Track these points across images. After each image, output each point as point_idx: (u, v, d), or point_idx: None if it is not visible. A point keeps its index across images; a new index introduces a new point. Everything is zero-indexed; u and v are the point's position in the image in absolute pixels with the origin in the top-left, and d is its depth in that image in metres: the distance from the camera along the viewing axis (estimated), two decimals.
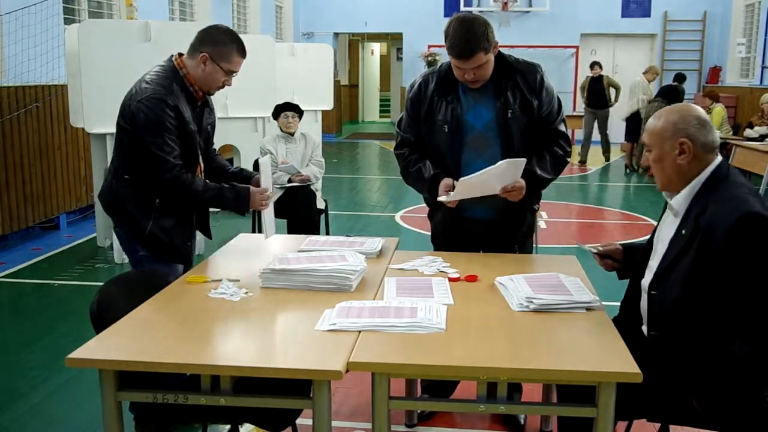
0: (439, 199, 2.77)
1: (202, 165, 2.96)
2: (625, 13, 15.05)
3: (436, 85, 2.83)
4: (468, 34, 2.62)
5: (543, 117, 2.80)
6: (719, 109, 10.14)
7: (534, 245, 3.19)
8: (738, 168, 8.29)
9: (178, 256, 2.89)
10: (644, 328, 2.29)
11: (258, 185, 2.92)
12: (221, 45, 2.76)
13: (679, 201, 2.16)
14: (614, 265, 2.51)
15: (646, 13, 15.00)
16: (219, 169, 3.09)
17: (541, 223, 6.93)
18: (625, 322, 2.35)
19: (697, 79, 14.86)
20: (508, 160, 2.66)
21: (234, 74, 2.83)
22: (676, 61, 14.85)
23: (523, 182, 2.72)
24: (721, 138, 9.74)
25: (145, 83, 2.73)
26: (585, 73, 12.47)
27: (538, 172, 2.79)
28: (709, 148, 2.11)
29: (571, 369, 1.86)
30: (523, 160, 2.69)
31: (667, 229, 2.22)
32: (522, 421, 3.02)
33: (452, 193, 2.72)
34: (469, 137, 2.80)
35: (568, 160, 2.90)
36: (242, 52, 2.81)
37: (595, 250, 2.52)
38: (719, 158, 2.15)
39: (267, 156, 3.05)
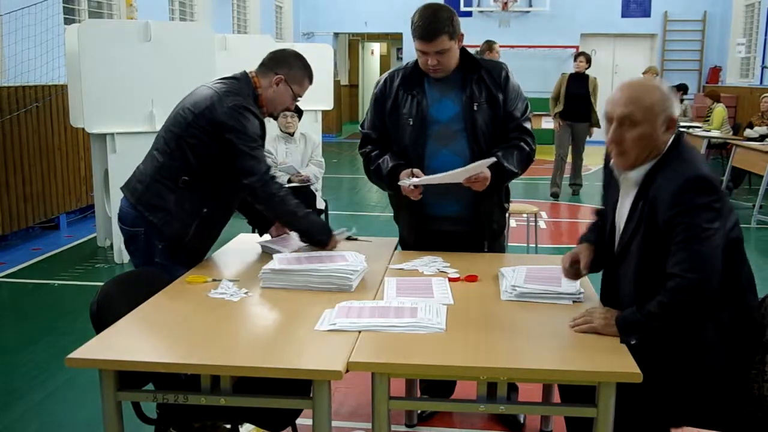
0: (400, 183, 2.76)
1: None
2: (625, 13, 15.06)
3: (401, 80, 2.87)
4: (432, 17, 2.67)
5: (509, 112, 2.81)
6: (720, 109, 10.14)
7: (506, 244, 3.19)
8: (738, 168, 8.39)
9: (196, 261, 2.81)
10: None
11: None
12: (296, 69, 2.82)
13: (639, 173, 2.10)
14: (580, 272, 2.35)
15: (646, 13, 15.00)
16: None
17: (541, 223, 6.94)
18: None
19: (697, 79, 14.87)
20: (477, 162, 2.66)
21: (299, 98, 2.88)
22: (676, 61, 14.87)
23: (487, 173, 2.70)
24: (721, 138, 9.79)
25: (226, 91, 2.70)
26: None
27: (505, 164, 2.76)
28: (676, 124, 2.08)
29: (571, 369, 1.86)
30: (492, 160, 2.68)
31: (625, 203, 2.17)
32: (522, 420, 3.02)
33: (414, 179, 2.71)
34: (432, 130, 2.81)
35: (533, 159, 2.88)
36: (312, 79, 2.88)
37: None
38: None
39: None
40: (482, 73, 2.80)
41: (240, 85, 2.77)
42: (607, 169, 2.29)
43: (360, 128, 3.06)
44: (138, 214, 2.73)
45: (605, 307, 2.12)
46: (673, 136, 2.07)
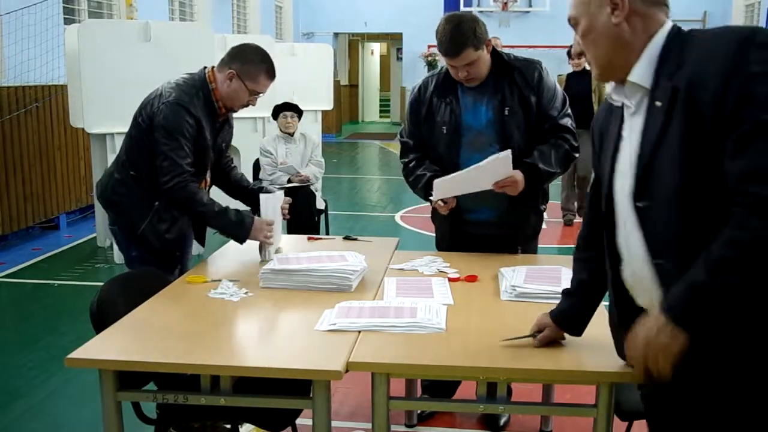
0: (430, 198, 2.76)
1: (209, 180, 2.96)
2: None
3: (435, 87, 2.84)
4: (454, 31, 2.62)
5: (543, 113, 2.76)
6: None
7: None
8: None
9: (166, 262, 2.83)
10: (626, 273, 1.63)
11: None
12: (250, 64, 2.72)
13: (641, 73, 1.51)
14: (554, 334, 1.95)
15: None
16: (236, 183, 3.09)
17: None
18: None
19: None
20: (492, 156, 2.62)
21: (259, 95, 2.79)
22: None
23: (517, 175, 2.66)
24: None
25: (170, 87, 2.72)
26: None
27: (540, 165, 2.71)
28: (654, 1, 1.54)
29: (571, 369, 1.86)
30: (508, 152, 2.62)
31: (629, 123, 1.58)
32: (501, 423, 3.00)
33: (434, 192, 2.70)
34: (467, 137, 2.79)
35: (576, 155, 2.83)
36: (270, 75, 2.77)
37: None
38: (671, 22, 1.56)
39: (272, 195, 3.01)
40: (515, 75, 2.74)
41: (192, 80, 2.75)
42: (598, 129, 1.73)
43: (399, 137, 3.03)
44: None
45: (641, 325, 1.47)
46: (670, 24, 1.58)
